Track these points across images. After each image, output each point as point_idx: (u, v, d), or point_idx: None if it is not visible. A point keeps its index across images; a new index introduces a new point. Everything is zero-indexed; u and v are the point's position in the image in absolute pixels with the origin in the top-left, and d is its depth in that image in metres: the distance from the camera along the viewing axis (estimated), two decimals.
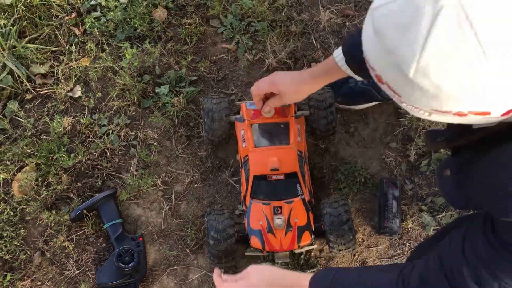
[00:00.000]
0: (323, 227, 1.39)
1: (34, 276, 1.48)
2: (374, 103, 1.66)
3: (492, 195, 0.75)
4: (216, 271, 1.20)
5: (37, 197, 1.55)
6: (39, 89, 1.70)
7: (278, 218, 1.34)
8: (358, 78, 1.26)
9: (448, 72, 0.64)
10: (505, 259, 0.77)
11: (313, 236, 1.38)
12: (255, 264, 1.17)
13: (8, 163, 1.58)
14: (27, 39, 1.75)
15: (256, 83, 1.34)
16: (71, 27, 1.78)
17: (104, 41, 1.75)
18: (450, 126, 0.88)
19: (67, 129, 1.63)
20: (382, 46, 0.69)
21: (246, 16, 1.79)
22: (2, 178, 1.57)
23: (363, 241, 1.53)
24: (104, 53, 1.72)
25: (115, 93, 1.67)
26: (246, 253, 1.43)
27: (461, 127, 0.83)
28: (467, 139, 0.81)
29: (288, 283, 1.11)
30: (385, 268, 1.01)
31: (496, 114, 0.69)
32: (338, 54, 1.24)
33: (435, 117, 0.73)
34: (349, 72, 1.25)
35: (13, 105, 1.65)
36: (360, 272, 1.03)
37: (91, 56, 1.74)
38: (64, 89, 1.69)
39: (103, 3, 1.78)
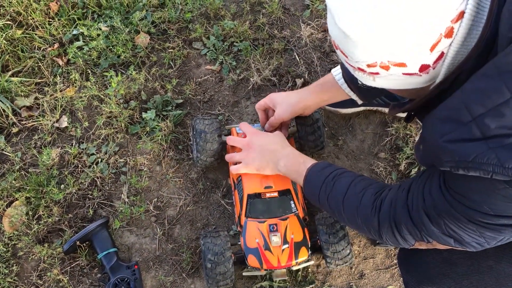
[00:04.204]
0: (319, 242, 1.39)
1: None
2: (360, 108, 1.67)
3: (430, 149, 0.84)
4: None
5: (28, 231, 1.53)
6: (25, 122, 1.69)
7: (274, 236, 1.34)
8: (354, 96, 1.28)
9: (354, 15, 0.74)
10: (448, 202, 0.86)
11: (309, 252, 1.37)
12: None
13: None
14: (10, 72, 1.74)
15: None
16: (54, 58, 1.78)
17: (89, 70, 1.75)
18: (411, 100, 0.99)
19: (55, 160, 1.62)
20: (327, 8, 0.80)
21: (228, 37, 1.80)
22: None
23: (359, 253, 1.53)
24: (89, 82, 1.72)
25: (102, 121, 1.66)
26: (243, 274, 1.42)
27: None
28: (413, 104, 0.90)
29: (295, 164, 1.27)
30: (371, 186, 1.09)
31: (413, 69, 0.78)
32: (336, 68, 1.26)
33: (378, 81, 0.83)
34: (345, 88, 1.27)
35: None
36: (350, 183, 1.12)
37: (76, 86, 1.74)
38: (50, 121, 1.68)
39: (85, 32, 1.79)
